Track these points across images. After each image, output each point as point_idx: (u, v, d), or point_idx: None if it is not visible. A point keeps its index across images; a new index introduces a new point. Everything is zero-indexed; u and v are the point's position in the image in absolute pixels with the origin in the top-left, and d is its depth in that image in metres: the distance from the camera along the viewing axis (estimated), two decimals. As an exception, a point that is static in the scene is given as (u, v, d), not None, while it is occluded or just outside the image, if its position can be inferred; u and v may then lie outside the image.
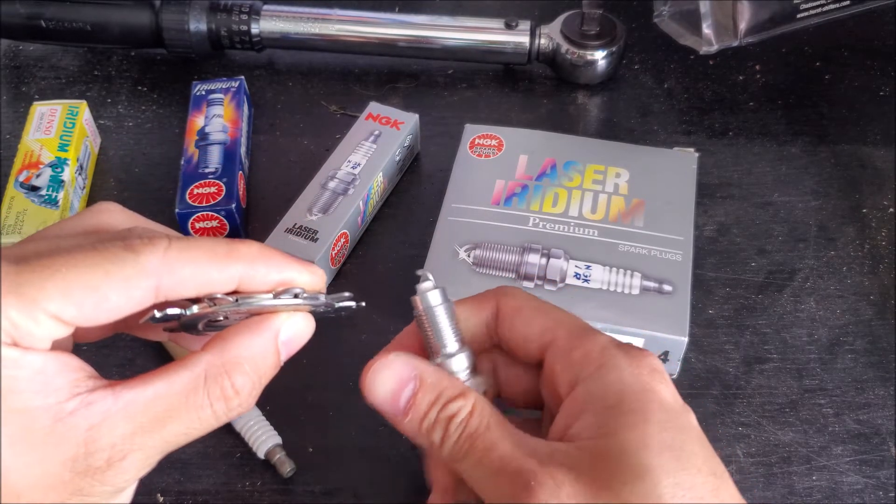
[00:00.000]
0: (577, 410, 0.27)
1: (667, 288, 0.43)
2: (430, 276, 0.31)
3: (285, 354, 0.28)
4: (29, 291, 0.23)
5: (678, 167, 0.50)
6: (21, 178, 0.50)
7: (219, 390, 0.26)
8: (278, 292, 0.27)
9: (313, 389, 0.44)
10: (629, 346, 0.28)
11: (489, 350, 0.32)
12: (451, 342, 0.30)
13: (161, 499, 0.40)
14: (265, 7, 0.60)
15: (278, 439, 0.41)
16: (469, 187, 0.49)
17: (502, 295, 0.31)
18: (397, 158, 0.53)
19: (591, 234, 0.46)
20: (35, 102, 0.55)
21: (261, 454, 0.41)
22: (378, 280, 0.49)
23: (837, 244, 0.51)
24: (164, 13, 0.58)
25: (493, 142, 0.51)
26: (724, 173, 0.55)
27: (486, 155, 0.51)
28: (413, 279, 0.31)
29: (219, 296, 0.26)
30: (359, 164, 0.51)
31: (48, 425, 0.23)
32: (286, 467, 0.40)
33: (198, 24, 0.59)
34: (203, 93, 0.56)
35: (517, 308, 0.30)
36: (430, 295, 0.30)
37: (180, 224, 0.49)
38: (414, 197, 0.54)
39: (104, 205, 0.29)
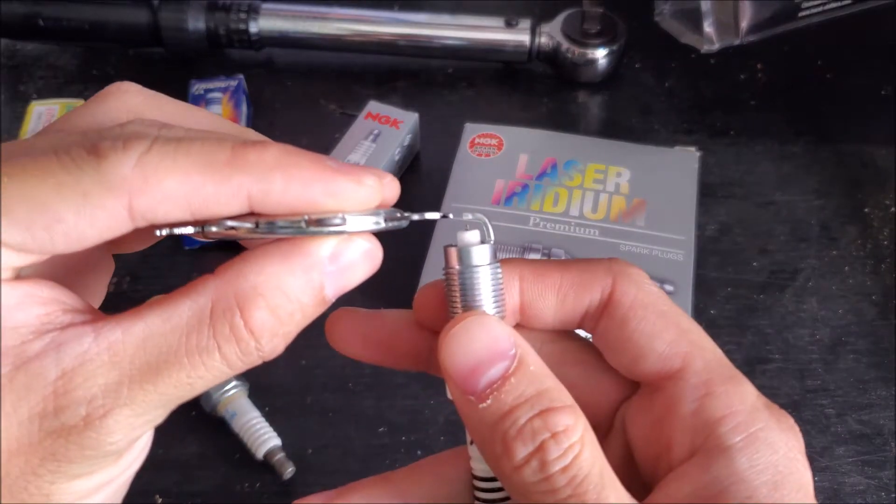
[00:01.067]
0: (713, 492, 0.20)
1: (668, 288, 0.43)
2: (486, 222, 0.22)
3: (333, 290, 0.21)
4: None
5: (679, 166, 0.50)
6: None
7: (227, 328, 0.19)
8: (311, 220, 0.19)
9: (313, 390, 0.44)
10: (774, 407, 0.22)
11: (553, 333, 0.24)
12: None
13: (160, 500, 0.40)
14: (264, 5, 0.60)
15: (278, 440, 0.41)
16: (469, 187, 0.49)
17: (623, 277, 0.23)
18: (397, 158, 0.52)
19: (591, 233, 0.46)
20: (33, 102, 0.55)
21: (260, 455, 0.41)
22: (377, 280, 0.49)
23: (839, 244, 0.50)
24: (162, 12, 0.58)
25: (494, 141, 0.51)
26: (725, 172, 0.54)
27: (486, 154, 0.51)
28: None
29: (229, 223, 0.19)
30: (358, 164, 0.50)
31: (6, 374, 0.18)
32: (286, 468, 0.40)
33: (196, 23, 0.58)
34: (201, 92, 0.56)
35: (642, 305, 0.22)
36: (476, 251, 0.22)
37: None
38: (413, 196, 0.54)
39: (121, 86, 0.23)
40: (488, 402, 0.20)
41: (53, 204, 0.18)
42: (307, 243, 0.20)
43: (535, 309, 0.23)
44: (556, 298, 0.23)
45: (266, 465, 0.41)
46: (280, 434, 0.41)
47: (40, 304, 0.19)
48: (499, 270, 0.22)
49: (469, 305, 0.22)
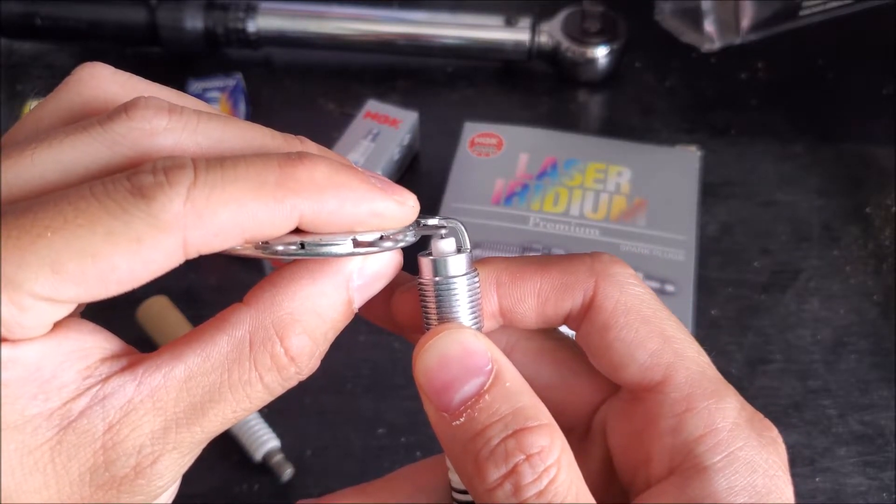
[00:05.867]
0: None
1: (669, 288, 0.43)
2: (462, 230, 0.21)
3: (359, 301, 0.21)
4: (7, 270, 0.17)
5: (680, 166, 0.49)
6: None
7: (269, 359, 0.19)
8: (360, 241, 0.19)
9: (311, 392, 0.44)
10: (758, 419, 0.21)
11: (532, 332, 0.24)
12: None
13: (158, 502, 0.40)
14: (262, 4, 0.59)
15: (277, 442, 0.41)
16: (469, 186, 0.48)
17: (605, 279, 0.22)
18: (396, 157, 0.52)
19: (592, 233, 0.46)
20: (30, 101, 0.55)
21: (259, 457, 0.40)
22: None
23: (841, 243, 0.50)
24: (160, 11, 0.58)
25: (493, 140, 0.51)
26: (726, 172, 0.54)
27: (486, 154, 0.50)
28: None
29: (279, 247, 0.19)
30: (357, 163, 0.50)
31: (53, 436, 0.18)
32: (285, 470, 0.40)
33: (194, 22, 0.58)
34: (200, 91, 0.55)
35: (625, 311, 0.21)
36: (451, 262, 0.21)
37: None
38: (413, 196, 0.53)
39: (88, 69, 0.22)
40: (461, 419, 0.19)
41: (107, 255, 0.17)
42: (337, 265, 0.20)
43: (516, 313, 0.22)
44: (536, 302, 0.22)
45: (265, 467, 0.40)
46: (279, 435, 0.41)
47: (82, 356, 0.19)
48: (476, 280, 0.21)
49: (445, 317, 0.21)
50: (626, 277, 0.22)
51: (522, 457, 0.19)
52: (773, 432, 0.21)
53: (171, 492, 0.21)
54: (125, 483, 0.18)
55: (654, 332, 0.21)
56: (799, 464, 0.41)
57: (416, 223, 0.21)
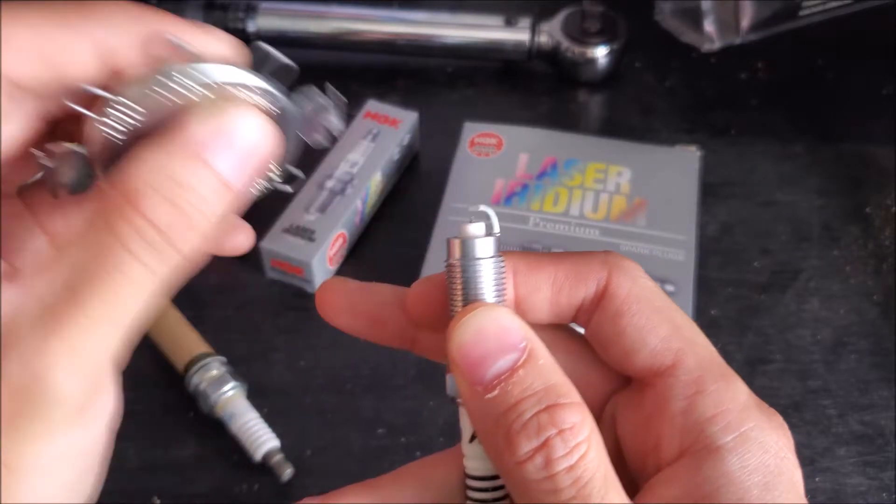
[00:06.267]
0: (705, 492, 0.20)
1: (669, 288, 0.43)
2: (492, 215, 0.22)
3: (230, 169, 0.19)
4: None
5: (680, 166, 0.49)
6: (15, 178, 0.50)
7: (134, 232, 0.18)
8: (166, 69, 0.18)
9: (311, 391, 0.44)
10: (764, 406, 0.21)
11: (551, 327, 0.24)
12: None
13: (158, 501, 0.40)
14: (262, 4, 0.59)
15: (276, 442, 0.41)
16: (469, 186, 0.48)
17: (618, 270, 0.22)
18: (396, 157, 0.52)
19: (592, 233, 0.46)
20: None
21: (258, 457, 0.40)
22: (377, 278, 0.48)
23: (841, 243, 0.50)
24: (160, 10, 0.58)
25: (493, 140, 0.51)
26: (726, 172, 0.54)
27: (486, 154, 0.50)
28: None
29: (97, 90, 0.18)
30: (357, 163, 0.50)
31: None
32: (284, 470, 0.40)
33: (194, 22, 0.58)
34: (200, 91, 0.55)
35: (637, 299, 0.22)
36: (479, 244, 0.21)
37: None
38: (413, 196, 0.53)
39: None
40: (495, 392, 0.19)
41: None
42: (182, 125, 0.19)
43: (531, 302, 0.23)
44: (550, 291, 0.22)
45: (264, 467, 0.40)
46: (279, 435, 0.41)
47: None
48: (502, 264, 0.22)
49: (472, 299, 0.21)
50: (637, 271, 0.22)
51: (555, 431, 0.19)
52: (780, 419, 0.21)
53: (95, 423, 0.20)
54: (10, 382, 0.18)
55: (665, 320, 0.22)
56: (799, 464, 0.41)
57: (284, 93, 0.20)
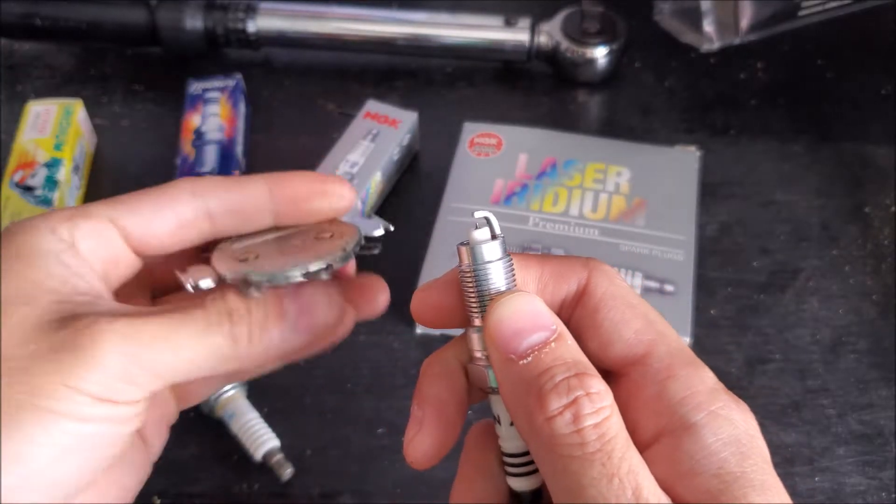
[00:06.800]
0: (685, 468, 0.21)
1: (669, 288, 0.43)
2: (492, 219, 0.23)
3: (298, 327, 0.25)
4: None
5: (680, 166, 0.50)
6: (16, 179, 0.50)
7: (219, 302, 0.24)
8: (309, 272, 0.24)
9: (311, 391, 0.44)
10: (731, 393, 0.23)
11: None
12: None
13: (158, 501, 0.40)
14: (262, 5, 0.59)
15: (276, 442, 0.41)
16: (468, 186, 0.48)
17: (597, 272, 0.24)
18: (395, 157, 0.52)
19: (591, 233, 0.46)
20: (30, 101, 0.55)
21: (258, 457, 0.40)
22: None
23: (840, 243, 0.50)
24: (159, 11, 0.58)
25: (493, 140, 0.51)
26: (726, 172, 0.54)
27: (486, 154, 0.50)
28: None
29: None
30: (357, 164, 0.50)
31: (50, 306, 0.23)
32: (284, 470, 0.40)
33: (194, 22, 0.58)
34: (199, 91, 0.55)
35: (613, 296, 0.24)
36: (486, 248, 0.23)
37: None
38: (413, 196, 0.53)
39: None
40: (528, 359, 0.21)
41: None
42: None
43: None
44: (536, 288, 0.24)
45: (265, 467, 0.40)
46: (279, 435, 0.41)
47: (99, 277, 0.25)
48: (510, 264, 0.23)
49: (487, 300, 0.23)
50: (614, 274, 0.25)
51: (583, 392, 0.20)
52: (745, 405, 0.23)
53: (137, 414, 0.24)
54: (68, 327, 0.22)
55: (638, 315, 0.24)
56: (798, 463, 0.41)
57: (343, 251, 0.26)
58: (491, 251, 0.23)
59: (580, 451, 0.20)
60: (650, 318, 0.24)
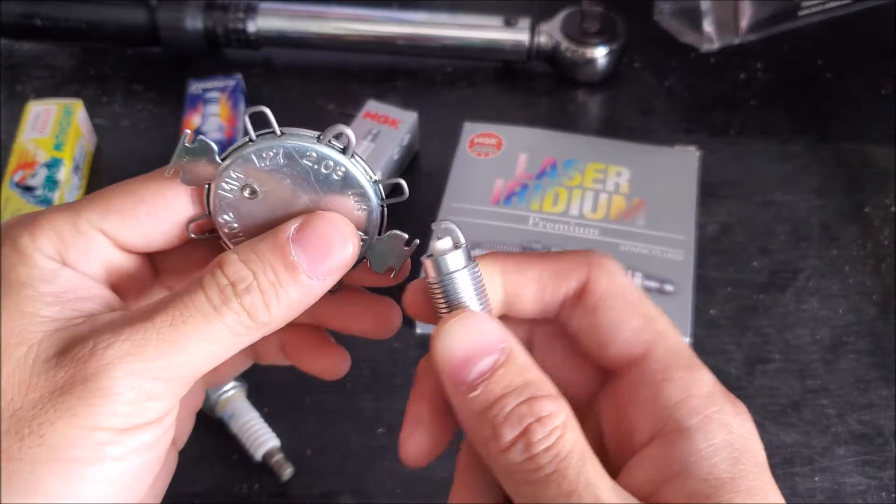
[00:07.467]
0: (675, 471, 0.21)
1: (668, 288, 0.43)
2: (454, 228, 0.23)
3: (306, 260, 0.22)
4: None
5: (679, 166, 0.50)
6: (16, 179, 0.50)
7: (215, 284, 0.22)
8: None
9: (311, 391, 0.44)
10: (730, 395, 0.23)
11: (533, 322, 0.25)
12: None
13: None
14: (262, 5, 0.59)
15: (276, 441, 0.41)
16: (468, 186, 0.48)
17: (598, 268, 0.24)
18: (396, 157, 0.52)
19: (591, 233, 0.46)
20: (30, 101, 0.55)
21: (258, 456, 0.40)
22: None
23: (840, 243, 0.50)
24: (160, 11, 0.58)
25: (493, 140, 0.51)
26: (725, 172, 0.54)
27: (486, 154, 0.50)
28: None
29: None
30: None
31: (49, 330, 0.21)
32: (284, 470, 0.40)
33: (194, 22, 0.58)
34: (199, 91, 0.55)
35: (613, 295, 0.23)
36: (450, 258, 0.23)
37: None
38: (412, 196, 0.53)
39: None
40: (478, 391, 0.21)
41: None
42: (284, 227, 0.23)
43: (518, 299, 0.24)
44: (536, 288, 0.24)
45: (265, 467, 0.41)
46: (279, 435, 0.41)
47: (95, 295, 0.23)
48: (476, 270, 0.23)
49: (455, 308, 0.23)
50: (614, 268, 0.24)
51: (534, 419, 0.21)
52: (743, 407, 0.22)
53: (158, 434, 0.22)
54: (80, 363, 0.20)
55: (637, 313, 0.23)
56: (798, 463, 0.41)
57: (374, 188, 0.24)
58: (455, 261, 0.23)
59: (536, 475, 0.20)
60: (650, 316, 0.23)
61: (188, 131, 0.24)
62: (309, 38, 0.60)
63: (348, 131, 0.23)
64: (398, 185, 0.25)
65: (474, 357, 0.22)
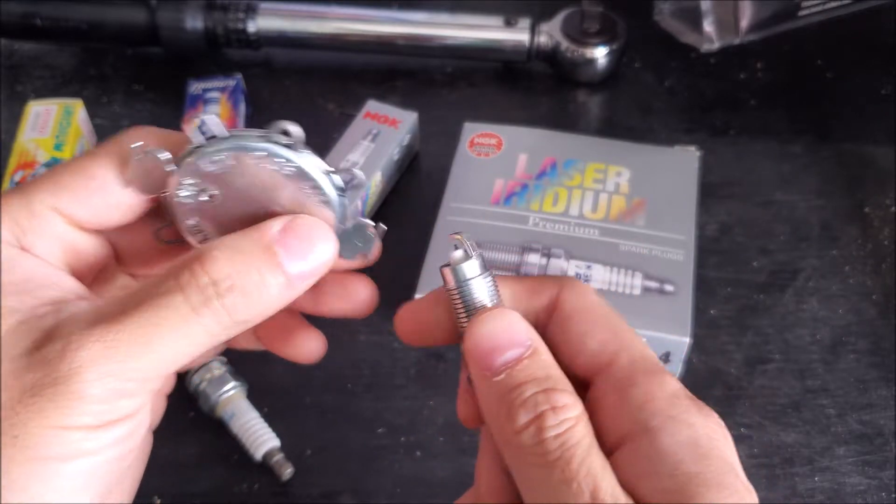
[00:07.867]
0: (644, 470, 0.22)
1: (668, 288, 0.43)
2: (468, 241, 0.25)
3: (288, 258, 0.23)
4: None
5: (679, 166, 0.50)
6: (16, 179, 0.50)
7: (192, 280, 0.22)
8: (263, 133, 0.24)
9: (311, 391, 0.44)
10: (698, 401, 0.24)
11: None
12: None
13: (158, 501, 0.40)
14: (262, 5, 0.59)
15: (276, 441, 0.41)
16: (468, 186, 0.48)
17: (568, 287, 0.26)
18: (396, 157, 0.52)
19: (591, 233, 0.46)
20: (30, 101, 0.55)
21: (259, 456, 0.40)
22: (376, 281, 0.49)
23: (840, 243, 0.50)
24: (160, 11, 0.58)
25: (493, 140, 0.51)
26: (725, 172, 0.54)
27: (486, 154, 0.50)
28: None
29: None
30: (357, 164, 0.50)
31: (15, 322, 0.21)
32: (285, 470, 0.40)
33: (194, 23, 0.58)
34: (199, 91, 0.55)
35: (581, 310, 0.25)
36: (466, 267, 0.25)
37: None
38: (413, 196, 0.53)
39: None
40: (502, 376, 0.23)
41: None
42: (268, 224, 0.23)
43: None
44: (511, 302, 0.26)
45: (265, 467, 0.41)
46: (279, 435, 0.41)
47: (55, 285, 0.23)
48: (490, 278, 0.25)
49: (475, 312, 0.25)
50: (585, 289, 0.26)
51: (549, 407, 0.22)
52: (711, 411, 0.23)
53: (130, 429, 0.22)
54: (52, 365, 0.20)
55: (604, 327, 0.25)
56: (797, 463, 0.41)
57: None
58: (471, 269, 0.25)
59: (542, 459, 0.21)
60: (617, 329, 0.25)
61: (139, 143, 0.24)
62: (309, 38, 0.60)
63: (292, 126, 0.24)
64: (354, 175, 0.26)
65: (503, 346, 0.23)
